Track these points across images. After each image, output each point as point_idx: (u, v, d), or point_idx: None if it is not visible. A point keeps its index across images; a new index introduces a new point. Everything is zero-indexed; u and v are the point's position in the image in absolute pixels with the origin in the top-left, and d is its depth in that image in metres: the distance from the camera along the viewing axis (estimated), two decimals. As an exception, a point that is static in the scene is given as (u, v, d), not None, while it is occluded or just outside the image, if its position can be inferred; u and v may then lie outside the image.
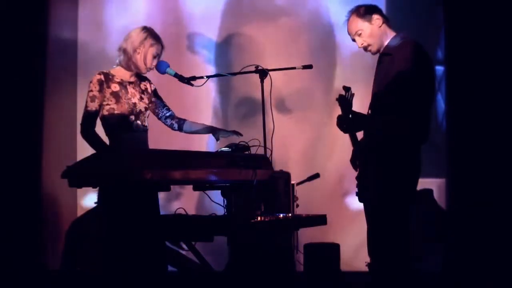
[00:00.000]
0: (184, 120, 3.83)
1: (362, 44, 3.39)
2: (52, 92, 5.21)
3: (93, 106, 3.51)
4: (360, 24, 3.36)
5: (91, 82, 3.55)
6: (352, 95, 3.31)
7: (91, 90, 3.53)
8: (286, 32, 5.30)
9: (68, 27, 5.35)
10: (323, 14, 5.29)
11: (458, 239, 4.70)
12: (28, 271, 4.74)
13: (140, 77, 3.73)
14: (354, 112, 3.30)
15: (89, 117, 3.51)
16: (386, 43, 3.34)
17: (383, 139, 3.22)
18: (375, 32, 3.35)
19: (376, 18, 3.34)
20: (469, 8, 4.73)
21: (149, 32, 3.62)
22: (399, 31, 3.39)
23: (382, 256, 3.22)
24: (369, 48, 3.39)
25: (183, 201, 4.91)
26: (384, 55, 3.33)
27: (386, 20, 3.38)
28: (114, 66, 3.66)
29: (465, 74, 4.78)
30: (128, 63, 3.60)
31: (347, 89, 3.32)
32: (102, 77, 3.55)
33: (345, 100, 3.30)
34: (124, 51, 3.60)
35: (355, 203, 5.09)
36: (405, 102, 3.13)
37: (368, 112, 3.35)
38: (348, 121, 3.29)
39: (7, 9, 4.87)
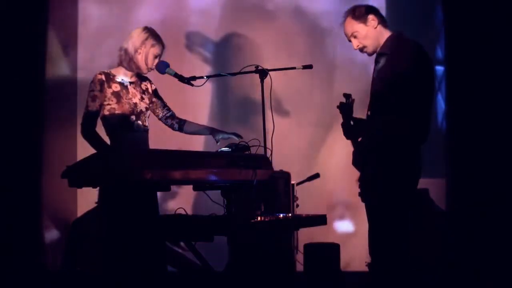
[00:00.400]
0: (185, 120, 3.84)
1: (357, 46, 3.39)
2: (52, 91, 5.21)
3: (94, 106, 3.51)
4: (356, 26, 3.35)
5: (92, 81, 3.55)
6: (353, 100, 3.32)
7: (92, 90, 3.53)
8: (286, 32, 5.30)
9: (68, 27, 5.35)
10: (323, 14, 5.29)
11: (458, 239, 4.70)
12: (28, 271, 4.74)
13: (141, 77, 3.73)
14: (355, 118, 3.31)
15: (90, 117, 3.51)
16: (382, 42, 3.34)
17: (382, 139, 3.22)
18: (371, 34, 3.34)
19: (371, 19, 3.34)
20: (469, 7, 4.73)
21: (150, 32, 3.63)
22: (395, 30, 3.39)
23: (382, 256, 3.22)
24: (365, 49, 3.39)
25: (182, 201, 4.91)
26: (381, 55, 3.32)
27: (382, 20, 3.37)
28: (115, 66, 3.67)
29: (465, 74, 4.78)
30: (129, 63, 3.61)
31: (347, 96, 3.32)
32: (103, 76, 3.55)
33: (345, 107, 3.31)
34: (125, 51, 3.60)
35: (355, 203, 5.10)
36: (405, 102, 3.13)
37: (367, 113, 3.35)
38: (350, 128, 3.30)
39: (7, 9, 4.87)
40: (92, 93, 3.53)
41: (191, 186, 3.22)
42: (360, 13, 3.35)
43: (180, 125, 3.83)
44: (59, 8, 5.30)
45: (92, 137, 3.49)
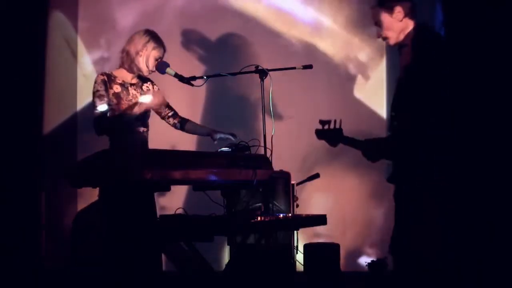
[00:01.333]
0: (187, 120, 3.85)
1: (380, 35, 3.32)
2: (52, 91, 5.21)
3: (102, 103, 3.51)
4: (381, 15, 3.24)
5: (95, 82, 3.55)
6: (339, 123, 3.22)
7: (98, 90, 3.52)
8: (285, 32, 5.30)
9: (68, 27, 5.35)
10: (323, 13, 5.29)
11: (458, 239, 4.69)
12: (28, 271, 4.74)
13: (143, 79, 3.74)
14: (366, 140, 3.20)
15: (100, 116, 3.49)
16: (406, 33, 3.24)
17: (411, 137, 3.13)
18: (395, 26, 3.24)
19: (398, 11, 3.23)
20: (469, 7, 4.73)
21: (151, 35, 3.64)
22: (420, 21, 3.32)
23: (405, 254, 3.16)
24: (386, 40, 3.31)
25: (181, 201, 4.91)
26: (402, 47, 3.24)
27: (410, 11, 3.26)
28: (117, 68, 3.68)
29: (465, 74, 4.77)
30: (131, 65, 3.62)
31: (324, 122, 3.23)
32: (105, 77, 3.56)
33: (325, 132, 3.24)
34: (127, 53, 3.61)
35: (355, 203, 5.10)
36: (426, 94, 3.05)
37: (390, 113, 3.25)
38: (370, 153, 3.20)
39: (7, 9, 4.87)
40: (98, 93, 3.52)
41: (191, 186, 3.22)
42: (388, 2, 3.25)
43: (181, 124, 3.84)
44: (59, 8, 5.31)
45: (107, 128, 3.50)
